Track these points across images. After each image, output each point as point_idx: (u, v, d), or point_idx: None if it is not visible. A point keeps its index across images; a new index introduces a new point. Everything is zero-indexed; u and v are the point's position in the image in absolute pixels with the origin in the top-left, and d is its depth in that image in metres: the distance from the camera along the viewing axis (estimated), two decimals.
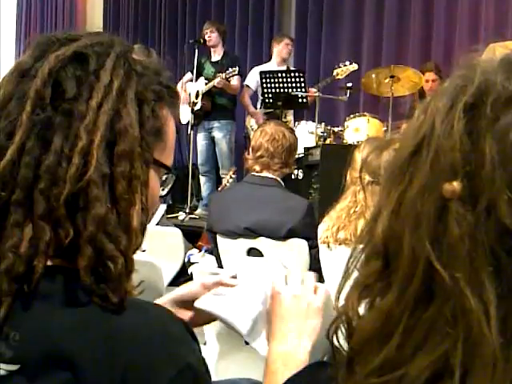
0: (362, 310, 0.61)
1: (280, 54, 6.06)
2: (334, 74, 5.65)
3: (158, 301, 1.14)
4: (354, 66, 5.64)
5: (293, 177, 5.05)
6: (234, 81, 5.85)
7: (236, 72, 5.66)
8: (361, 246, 0.62)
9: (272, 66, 6.05)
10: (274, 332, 0.97)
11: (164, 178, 0.86)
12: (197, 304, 1.09)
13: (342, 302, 0.64)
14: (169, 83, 0.83)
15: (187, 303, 1.12)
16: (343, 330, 0.62)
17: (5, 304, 0.70)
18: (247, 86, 6.13)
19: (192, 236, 4.00)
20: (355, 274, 0.63)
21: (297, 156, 3.71)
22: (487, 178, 0.51)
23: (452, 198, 0.52)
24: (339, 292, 0.65)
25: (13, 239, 0.70)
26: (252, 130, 5.65)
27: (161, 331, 0.72)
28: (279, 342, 0.96)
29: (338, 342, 0.65)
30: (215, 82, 5.71)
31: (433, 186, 0.54)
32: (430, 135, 0.55)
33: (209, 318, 1.12)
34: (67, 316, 0.70)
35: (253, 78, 6.09)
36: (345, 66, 5.64)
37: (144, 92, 0.78)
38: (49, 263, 0.72)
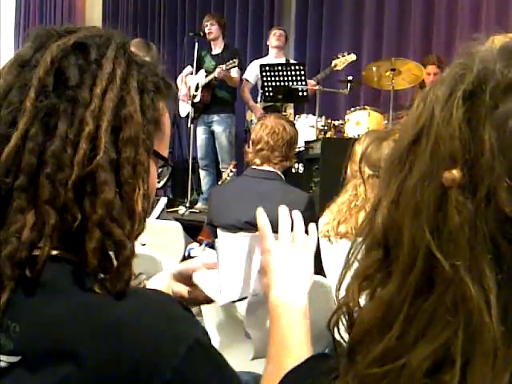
0: (362, 301, 0.61)
1: (271, 44, 6.09)
2: (333, 64, 5.64)
3: (158, 274, 1.16)
4: (352, 57, 5.62)
5: (293, 170, 5.05)
6: (234, 73, 5.83)
7: (236, 63, 5.64)
8: (361, 238, 0.62)
9: (270, 59, 6.04)
10: (271, 282, 0.97)
11: (160, 170, 0.87)
12: (194, 277, 1.10)
13: (342, 293, 0.63)
14: (164, 76, 0.85)
15: (187, 279, 1.13)
16: (344, 322, 0.62)
17: (7, 289, 0.70)
18: (246, 79, 6.12)
19: (192, 230, 4.00)
20: (356, 266, 0.63)
21: (297, 149, 3.70)
22: (487, 166, 0.51)
23: (452, 186, 0.52)
24: (340, 283, 0.65)
25: (16, 224, 0.71)
26: (253, 123, 5.64)
27: (163, 313, 0.72)
28: (278, 289, 0.95)
29: (339, 333, 0.65)
30: (215, 73, 5.70)
31: (432, 175, 0.54)
32: (430, 124, 0.55)
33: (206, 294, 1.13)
34: (69, 305, 0.70)
35: (251, 72, 6.08)
36: (343, 56, 5.62)
37: (144, 81, 0.80)
38: (53, 253, 0.72)
